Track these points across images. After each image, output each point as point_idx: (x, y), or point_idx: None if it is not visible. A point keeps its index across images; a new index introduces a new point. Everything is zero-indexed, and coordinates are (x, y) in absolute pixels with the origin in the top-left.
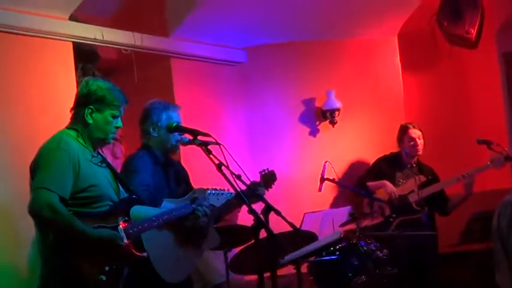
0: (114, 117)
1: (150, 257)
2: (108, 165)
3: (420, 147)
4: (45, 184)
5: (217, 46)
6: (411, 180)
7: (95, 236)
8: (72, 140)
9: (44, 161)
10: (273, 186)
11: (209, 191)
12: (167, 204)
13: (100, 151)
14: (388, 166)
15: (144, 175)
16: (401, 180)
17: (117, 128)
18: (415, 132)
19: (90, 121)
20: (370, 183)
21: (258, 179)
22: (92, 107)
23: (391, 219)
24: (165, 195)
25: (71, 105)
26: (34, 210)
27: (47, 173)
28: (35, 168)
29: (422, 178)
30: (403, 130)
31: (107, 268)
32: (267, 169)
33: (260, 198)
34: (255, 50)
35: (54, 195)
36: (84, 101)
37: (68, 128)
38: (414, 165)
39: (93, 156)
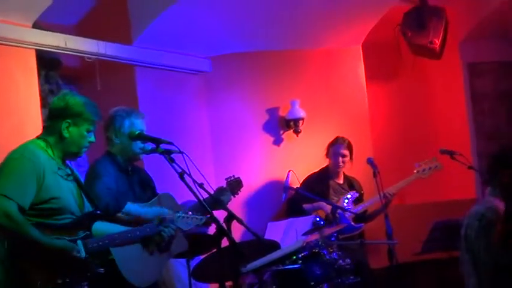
0: (89, 131)
1: (117, 261)
2: (76, 179)
3: (342, 164)
4: (4, 191)
5: (181, 54)
6: (344, 196)
7: (49, 245)
8: (40, 150)
9: (6, 169)
10: (239, 193)
11: (179, 214)
12: (130, 206)
13: (69, 164)
14: (319, 184)
15: (106, 179)
16: (334, 198)
17: (90, 142)
18: (341, 147)
19: (67, 135)
20: (306, 206)
21: (223, 186)
22: (69, 120)
23: None
24: (130, 200)
25: (33, 113)
26: None
27: (7, 181)
28: None
29: (355, 194)
30: (331, 144)
31: (59, 281)
32: (233, 176)
33: (224, 203)
34: (219, 59)
35: (12, 203)
36: (61, 115)
37: (38, 138)
38: (342, 181)
39: (59, 169)
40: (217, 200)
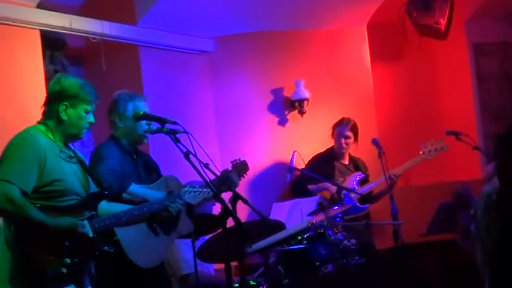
0: (87, 112)
1: (121, 243)
2: (80, 161)
3: (345, 146)
4: (6, 177)
5: (185, 35)
6: (350, 177)
7: (54, 225)
8: (40, 134)
9: (8, 155)
10: (245, 176)
11: (185, 189)
12: (135, 187)
13: (71, 146)
14: (324, 165)
15: (109, 162)
16: (340, 179)
17: (90, 123)
18: (345, 128)
19: (65, 117)
20: (311, 187)
21: (228, 168)
22: (66, 103)
23: None
24: (135, 182)
25: (38, 93)
26: None
27: (9, 166)
28: (0, 162)
29: (360, 175)
30: (336, 125)
31: (68, 261)
32: (239, 159)
33: (233, 185)
34: (223, 39)
35: (14, 187)
36: (57, 98)
37: (38, 123)
38: (348, 162)
39: (61, 152)
40: (228, 178)
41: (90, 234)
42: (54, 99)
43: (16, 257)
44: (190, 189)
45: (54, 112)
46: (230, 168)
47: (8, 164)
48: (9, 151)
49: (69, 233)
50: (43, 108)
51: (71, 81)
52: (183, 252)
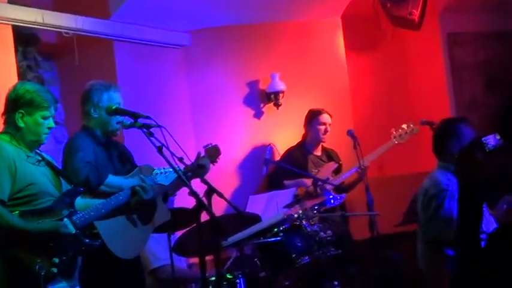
0: (45, 118)
1: (101, 235)
2: (48, 163)
3: (325, 133)
4: None
5: (160, 29)
6: (324, 169)
7: (35, 231)
8: (6, 143)
9: None
10: (217, 160)
11: (156, 171)
12: (112, 178)
13: (38, 150)
14: (298, 158)
15: (83, 154)
16: (313, 170)
17: (49, 128)
18: (326, 118)
19: (22, 125)
20: (287, 182)
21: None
22: (22, 111)
23: None
24: (110, 173)
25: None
26: None
27: None
28: None
29: (334, 165)
30: (314, 114)
31: (56, 260)
32: (211, 143)
33: (207, 168)
34: (199, 33)
35: None
36: (13, 106)
37: (1, 133)
38: (321, 153)
39: (28, 157)
40: (198, 165)
41: (73, 231)
42: (11, 107)
43: (5, 262)
44: (162, 170)
45: (12, 120)
46: (203, 153)
47: None
48: None
49: (52, 235)
50: (3, 117)
51: (26, 88)
52: (151, 247)
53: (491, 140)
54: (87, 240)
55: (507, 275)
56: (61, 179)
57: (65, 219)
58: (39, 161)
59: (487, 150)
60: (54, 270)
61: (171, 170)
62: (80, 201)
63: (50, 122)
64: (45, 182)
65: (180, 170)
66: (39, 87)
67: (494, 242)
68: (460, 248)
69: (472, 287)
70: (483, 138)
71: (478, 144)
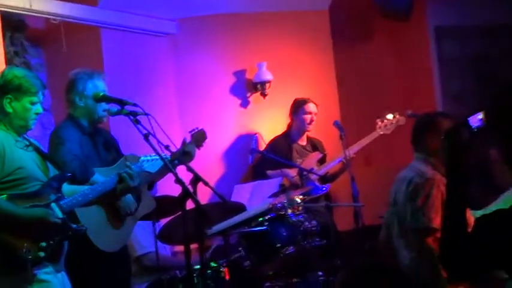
0: (33, 103)
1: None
2: (36, 149)
3: (311, 122)
4: None
5: (147, 17)
6: (308, 158)
7: (25, 216)
8: None
9: None
10: (203, 145)
11: (142, 158)
12: (98, 176)
13: (26, 135)
14: (283, 147)
15: (70, 145)
16: (298, 160)
17: (37, 114)
18: (312, 107)
19: (10, 110)
20: (270, 173)
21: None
22: (9, 96)
23: None
24: (95, 164)
25: None
26: None
27: None
28: None
29: (319, 154)
30: (300, 103)
31: (44, 244)
32: (197, 128)
33: (192, 155)
34: (186, 21)
35: None
36: (1, 91)
37: None
38: (306, 143)
39: (17, 141)
40: (184, 152)
41: (60, 215)
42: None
43: None
44: (148, 158)
45: (0, 106)
46: (189, 140)
47: None
48: None
49: (40, 222)
50: None
51: (14, 74)
52: (136, 234)
53: (475, 121)
54: (74, 226)
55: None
56: (48, 164)
57: (53, 205)
58: (27, 145)
59: (474, 130)
60: (42, 254)
61: (157, 157)
62: (66, 187)
63: (38, 108)
64: (33, 166)
65: (166, 157)
66: (28, 73)
67: (481, 227)
68: (445, 233)
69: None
70: (468, 118)
71: (464, 123)
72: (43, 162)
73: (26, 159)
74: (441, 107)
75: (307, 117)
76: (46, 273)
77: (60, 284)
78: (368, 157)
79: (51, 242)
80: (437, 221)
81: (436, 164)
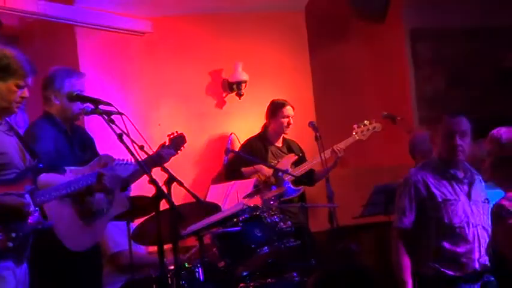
0: (19, 86)
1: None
2: (16, 133)
3: (288, 125)
4: None
5: (122, 15)
6: (284, 160)
7: (2, 204)
8: None
9: None
10: (182, 149)
11: (116, 162)
12: (70, 174)
13: (7, 119)
14: (258, 148)
15: (44, 143)
16: (273, 161)
17: (23, 98)
18: (290, 110)
19: None
20: (245, 169)
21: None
22: None
23: None
24: (70, 162)
25: None
26: None
27: None
28: None
29: (294, 156)
30: (278, 106)
31: (13, 234)
32: (176, 132)
33: (165, 158)
34: (162, 20)
35: None
36: None
37: None
38: (281, 144)
39: (0, 124)
40: (158, 155)
41: (32, 208)
42: None
43: None
44: (121, 162)
45: None
46: (167, 143)
47: None
48: None
49: (14, 211)
50: None
51: (4, 53)
52: (111, 232)
53: None
54: (43, 220)
55: None
56: (26, 152)
57: (27, 196)
58: (9, 130)
59: None
60: (10, 244)
61: (130, 162)
62: (43, 178)
63: (25, 92)
64: (13, 153)
65: (140, 161)
66: (20, 55)
67: None
68: None
69: None
70: None
71: None
72: (21, 148)
73: (7, 145)
74: (416, 110)
75: (285, 120)
76: (6, 269)
77: (16, 281)
78: (343, 159)
79: (20, 234)
80: None
81: None
